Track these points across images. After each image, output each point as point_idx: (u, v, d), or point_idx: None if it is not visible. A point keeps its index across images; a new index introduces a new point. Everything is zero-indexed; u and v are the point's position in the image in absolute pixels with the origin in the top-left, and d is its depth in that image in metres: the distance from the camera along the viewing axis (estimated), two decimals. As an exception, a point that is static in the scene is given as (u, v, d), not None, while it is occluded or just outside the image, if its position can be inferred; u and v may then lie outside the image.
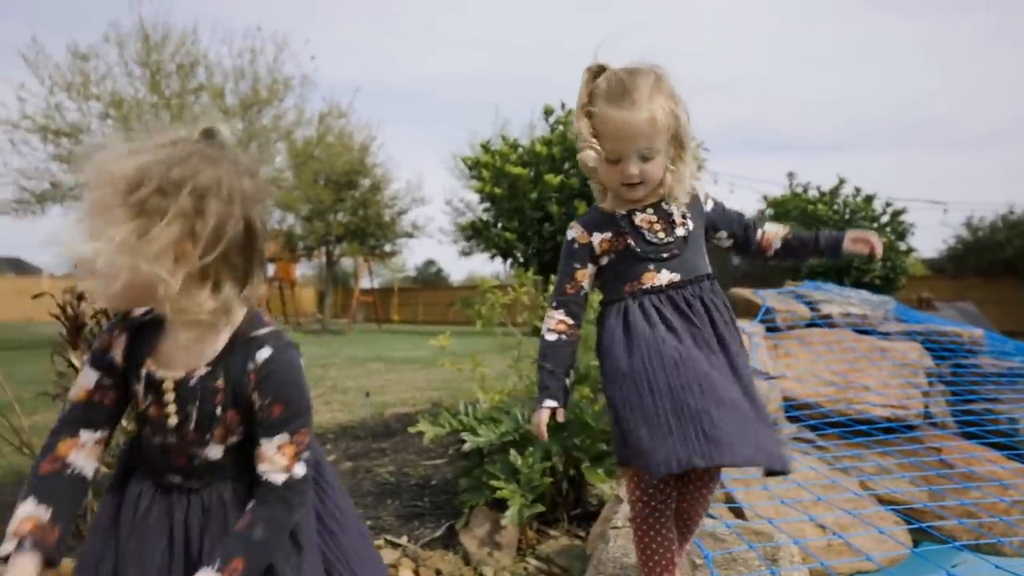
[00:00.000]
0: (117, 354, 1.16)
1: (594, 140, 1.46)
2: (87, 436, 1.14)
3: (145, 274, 1.02)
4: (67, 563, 2.19)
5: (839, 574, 2.05)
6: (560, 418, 1.50)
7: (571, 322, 1.54)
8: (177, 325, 1.11)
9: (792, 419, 3.33)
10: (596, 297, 1.66)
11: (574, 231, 1.55)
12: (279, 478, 1.10)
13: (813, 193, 16.42)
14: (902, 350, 3.95)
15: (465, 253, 22.02)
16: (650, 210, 1.52)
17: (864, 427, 3.25)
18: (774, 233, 1.67)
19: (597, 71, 1.49)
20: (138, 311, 1.17)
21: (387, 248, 23.05)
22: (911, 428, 3.38)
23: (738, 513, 2.30)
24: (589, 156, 1.48)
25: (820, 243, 1.64)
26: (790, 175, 17.29)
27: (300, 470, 1.11)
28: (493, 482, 2.36)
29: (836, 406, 3.39)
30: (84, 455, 1.14)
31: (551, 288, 1.70)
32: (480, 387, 2.90)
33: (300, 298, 25.40)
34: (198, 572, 1.05)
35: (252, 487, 1.11)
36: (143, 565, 1.10)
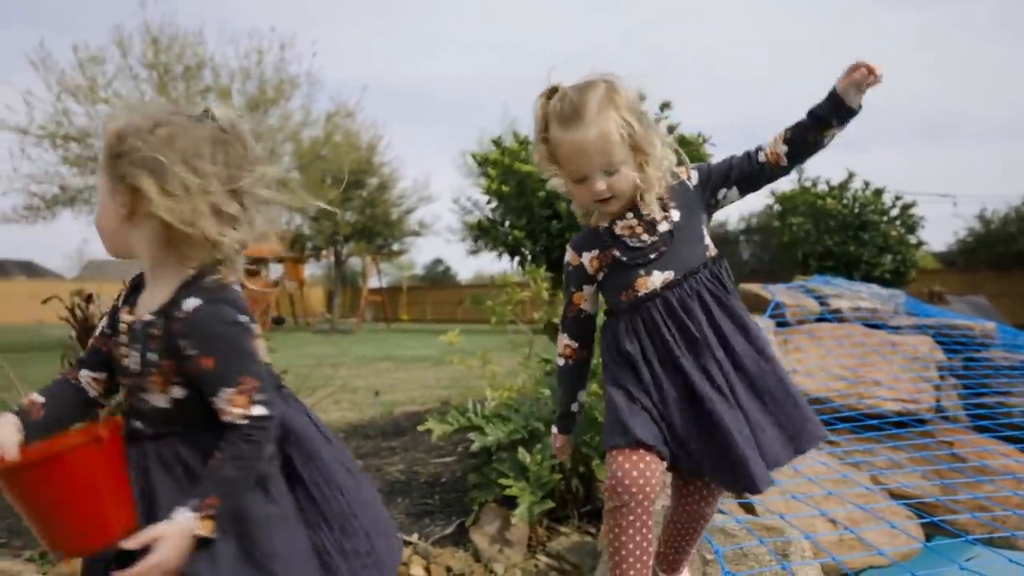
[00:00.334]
0: (119, 305, 1.29)
1: (554, 166, 1.48)
2: (85, 374, 1.31)
3: (114, 228, 1.20)
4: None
5: (851, 569, 2.04)
6: (559, 444, 1.64)
7: (575, 345, 1.58)
8: (148, 276, 1.24)
9: (802, 414, 3.31)
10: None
11: (567, 254, 1.57)
12: (240, 420, 1.15)
13: (822, 187, 16.32)
14: (913, 344, 3.92)
15: (473, 252, 22.06)
16: (630, 215, 1.49)
17: (875, 422, 3.23)
18: (773, 143, 1.49)
19: (549, 94, 1.47)
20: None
21: (395, 247, 23.12)
22: (922, 422, 3.36)
23: (748, 508, 2.29)
24: (557, 182, 1.50)
25: (818, 113, 1.43)
26: (799, 170, 17.18)
27: (258, 410, 1.15)
28: (502, 480, 2.36)
29: (846, 401, 3.37)
30: (84, 383, 1.31)
31: (562, 287, 1.70)
32: (490, 384, 2.90)
33: (309, 298, 25.49)
34: (175, 513, 1.10)
35: (209, 449, 1.16)
36: None
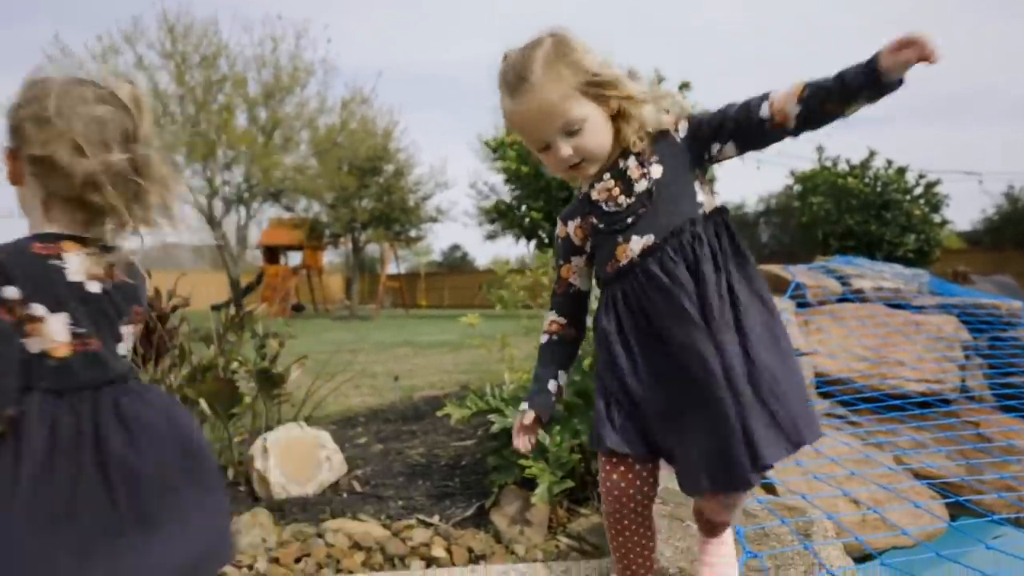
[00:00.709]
0: None
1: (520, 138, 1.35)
2: None
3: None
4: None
5: (875, 549, 2.03)
6: (527, 421, 1.41)
7: (563, 321, 1.44)
8: None
9: (824, 395, 3.29)
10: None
11: (557, 226, 1.46)
12: None
13: (843, 167, 16.08)
14: (937, 324, 3.87)
15: (490, 236, 22.04)
16: (607, 175, 1.34)
17: (898, 402, 3.20)
18: (785, 97, 1.22)
19: (502, 62, 1.33)
20: None
21: (412, 233, 23.18)
22: (947, 402, 3.32)
23: (769, 489, 2.28)
24: (536, 157, 1.36)
25: (848, 80, 1.15)
26: (819, 149, 16.95)
27: None
28: (521, 461, 2.37)
29: (869, 381, 3.34)
30: None
31: None
32: (508, 367, 2.91)
33: (328, 285, 25.68)
34: None
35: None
36: None
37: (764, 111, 1.24)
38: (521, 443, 1.42)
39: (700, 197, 1.32)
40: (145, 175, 1.22)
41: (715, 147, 1.31)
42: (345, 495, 2.71)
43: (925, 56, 1.09)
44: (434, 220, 22.72)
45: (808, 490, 2.23)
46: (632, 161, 1.32)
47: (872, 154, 15.74)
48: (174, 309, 2.79)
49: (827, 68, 1.19)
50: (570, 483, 2.33)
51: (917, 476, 2.65)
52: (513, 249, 33.89)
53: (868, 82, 1.14)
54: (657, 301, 1.28)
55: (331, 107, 18.00)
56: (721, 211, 1.33)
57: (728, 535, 1.52)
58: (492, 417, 2.57)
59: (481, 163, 22.77)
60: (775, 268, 4.50)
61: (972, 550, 1.80)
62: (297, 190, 17.88)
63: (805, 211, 16.13)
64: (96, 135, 1.16)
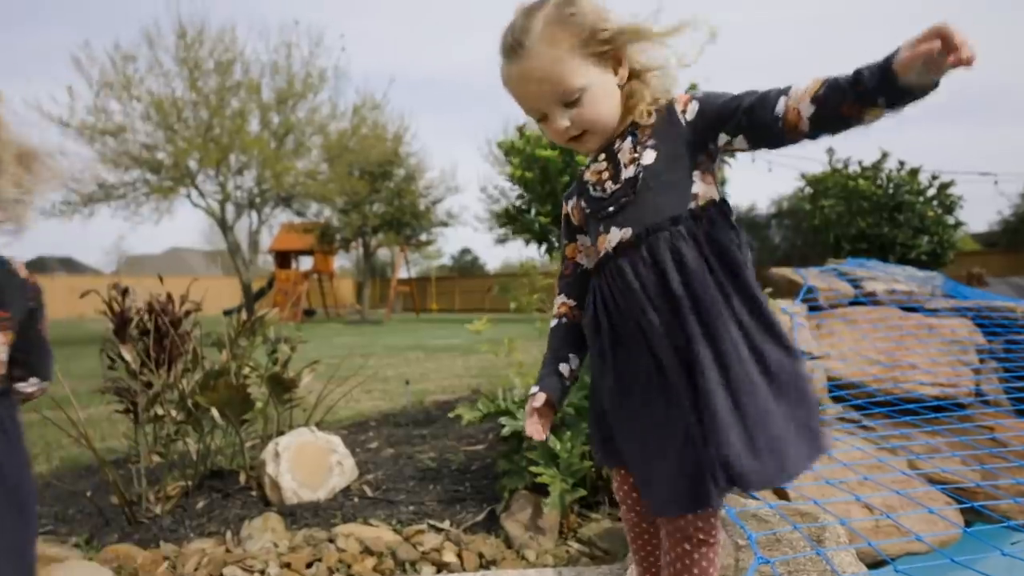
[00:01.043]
0: None
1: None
2: None
3: None
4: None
5: (888, 555, 2.01)
6: (537, 403, 1.25)
7: (571, 303, 1.33)
8: None
9: (836, 399, 3.27)
10: None
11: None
12: None
13: (854, 168, 15.97)
14: (951, 327, 3.83)
15: (500, 240, 22.07)
16: (602, 156, 1.23)
17: (912, 406, 3.17)
18: (802, 96, 1.05)
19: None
20: None
21: (423, 238, 23.26)
22: (961, 407, 3.29)
23: (781, 494, 2.26)
24: (539, 128, 1.26)
25: (862, 78, 0.98)
26: (829, 151, 16.82)
27: None
28: (533, 467, 2.37)
29: (882, 385, 3.31)
30: None
31: None
32: (516, 372, 2.91)
33: (339, 289, 25.80)
34: None
35: None
36: None
37: (779, 108, 1.07)
38: (533, 429, 1.24)
39: (696, 188, 1.16)
40: None
41: (723, 138, 1.15)
42: (356, 500, 2.72)
43: (953, 51, 0.89)
44: (444, 224, 22.80)
45: (821, 495, 2.21)
46: (628, 142, 1.19)
47: (884, 155, 15.60)
48: (186, 314, 2.81)
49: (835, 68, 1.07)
50: (582, 491, 2.33)
51: (931, 481, 2.62)
52: (524, 253, 33.97)
53: (880, 83, 0.96)
54: (621, 304, 1.17)
55: (343, 112, 18.13)
56: (717, 204, 1.17)
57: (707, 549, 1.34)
58: (503, 420, 2.58)
59: (491, 167, 22.81)
60: (787, 271, 4.47)
61: (987, 556, 1.78)
62: (308, 195, 17.98)
63: (816, 214, 16.02)
64: None
